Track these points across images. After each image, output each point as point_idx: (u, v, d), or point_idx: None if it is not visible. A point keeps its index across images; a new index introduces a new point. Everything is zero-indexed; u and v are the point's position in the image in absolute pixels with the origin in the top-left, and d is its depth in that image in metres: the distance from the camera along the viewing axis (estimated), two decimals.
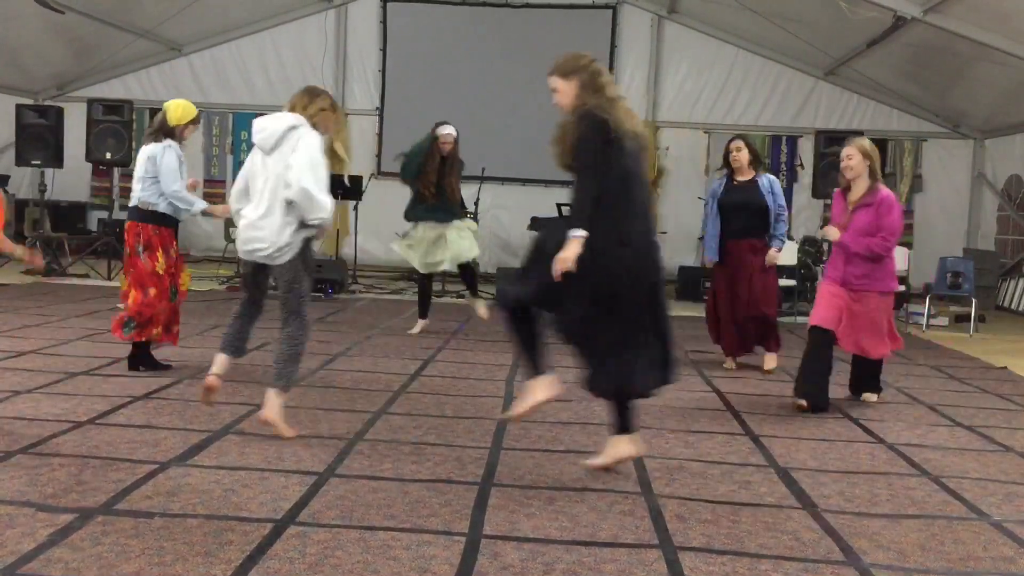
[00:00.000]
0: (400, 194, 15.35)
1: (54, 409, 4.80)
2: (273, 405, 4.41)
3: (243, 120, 14.30)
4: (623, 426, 4.04)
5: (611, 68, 13.75)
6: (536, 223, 11.51)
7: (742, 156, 6.89)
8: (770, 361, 6.97)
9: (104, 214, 13.19)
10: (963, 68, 10.90)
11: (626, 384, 3.93)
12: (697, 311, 10.61)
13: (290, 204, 4.37)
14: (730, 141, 7.06)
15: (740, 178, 6.91)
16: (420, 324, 8.19)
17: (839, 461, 4.52)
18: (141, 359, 5.90)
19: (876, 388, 6.00)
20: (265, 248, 4.45)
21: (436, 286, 11.58)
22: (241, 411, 4.90)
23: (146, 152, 5.89)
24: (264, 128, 4.47)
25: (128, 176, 6.32)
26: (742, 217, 6.79)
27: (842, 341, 5.63)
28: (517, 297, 4.00)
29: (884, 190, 5.64)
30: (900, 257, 10.58)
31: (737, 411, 5.54)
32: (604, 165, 3.80)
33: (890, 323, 5.83)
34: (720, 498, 3.85)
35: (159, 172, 5.80)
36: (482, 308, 8.11)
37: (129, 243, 5.96)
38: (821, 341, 5.59)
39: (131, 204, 6.01)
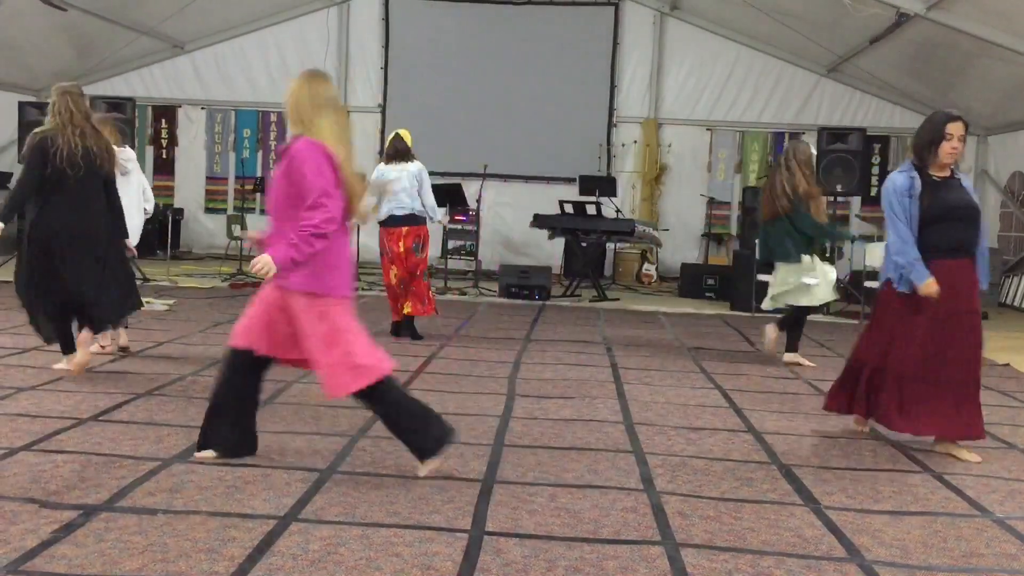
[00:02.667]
0: None
1: (57, 406, 4.80)
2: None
3: (245, 117, 14.33)
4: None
5: (613, 65, 13.77)
6: (538, 220, 11.51)
7: (961, 147, 4.78)
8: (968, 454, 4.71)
9: None
10: (966, 65, 10.88)
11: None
12: (699, 308, 10.63)
13: None
14: (947, 121, 4.74)
15: (939, 174, 4.79)
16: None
17: (841, 458, 4.52)
18: (411, 330, 7.63)
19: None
20: None
21: (438, 283, 11.59)
22: None
23: (409, 170, 7.46)
24: None
25: None
26: (959, 227, 4.71)
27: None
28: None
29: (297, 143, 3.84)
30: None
31: (739, 408, 5.54)
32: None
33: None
34: (722, 495, 3.85)
35: (423, 187, 7.48)
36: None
37: (408, 244, 7.46)
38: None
39: (404, 213, 7.44)
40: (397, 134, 7.73)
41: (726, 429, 5.00)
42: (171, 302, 8.95)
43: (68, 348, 5.72)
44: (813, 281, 6.90)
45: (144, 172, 13.33)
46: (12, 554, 2.91)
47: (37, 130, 5.60)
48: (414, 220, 7.51)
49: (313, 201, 3.70)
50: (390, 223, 7.53)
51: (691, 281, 11.91)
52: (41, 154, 5.46)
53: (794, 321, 7.18)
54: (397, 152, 7.59)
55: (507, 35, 13.85)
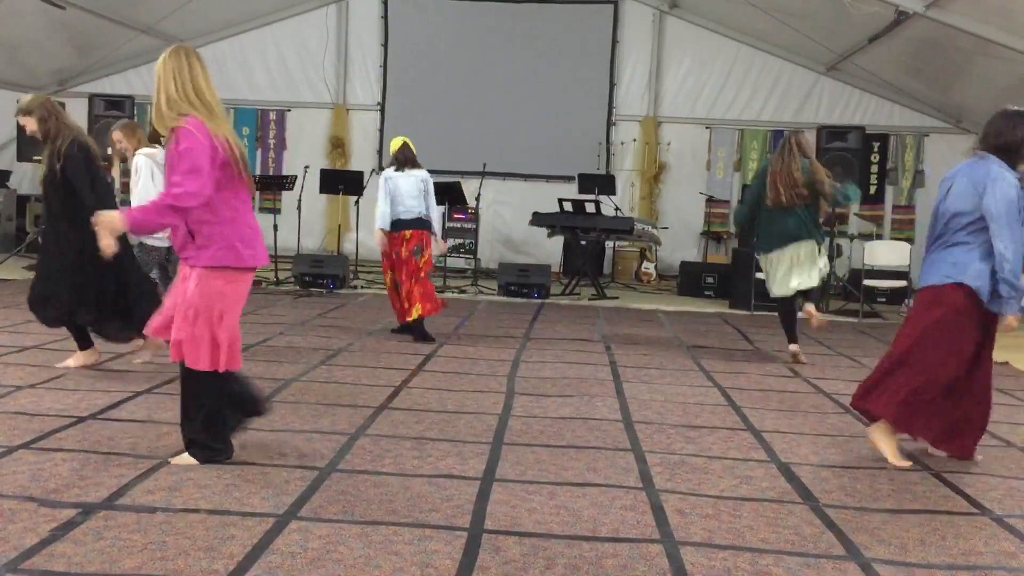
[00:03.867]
0: None
1: (56, 404, 4.80)
2: None
3: (244, 116, 14.30)
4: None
5: (612, 63, 13.76)
6: (537, 218, 11.52)
7: None
8: None
9: None
10: (965, 63, 10.88)
11: None
12: (698, 306, 10.63)
13: None
14: None
15: None
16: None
17: (840, 456, 4.52)
18: (421, 332, 7.54)
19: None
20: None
21: (437, 281, 11.59)
22: None
23: (417, 176, 7.56)
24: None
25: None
26: None
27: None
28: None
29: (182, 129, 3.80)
30: (902, 252, 10.63)
31: (739, 406, 5.54)
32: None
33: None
34: (722, 493, 3.85)
35: (429, 195, 7.61)
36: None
37: (410, 247, 7.49)
38: None
39: (410, 217, 7.48)
40: (405, 142, 7.74)
41: (725, 427, 5.00)
42: None
43: (85, 343, 5.80)
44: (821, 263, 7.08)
45: None
46: (11, 552, 2.91)
47: (63, 143, 5.44)
48: (420, 224, 7.54)
49: (180, 176, 3.71)
50: (396, 227, 7.52)
51: (690, 279, 11.91)
52: (87, 160, 5.48)
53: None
54: (407, 159, 7.62)
55: (506, 33, 13.84)
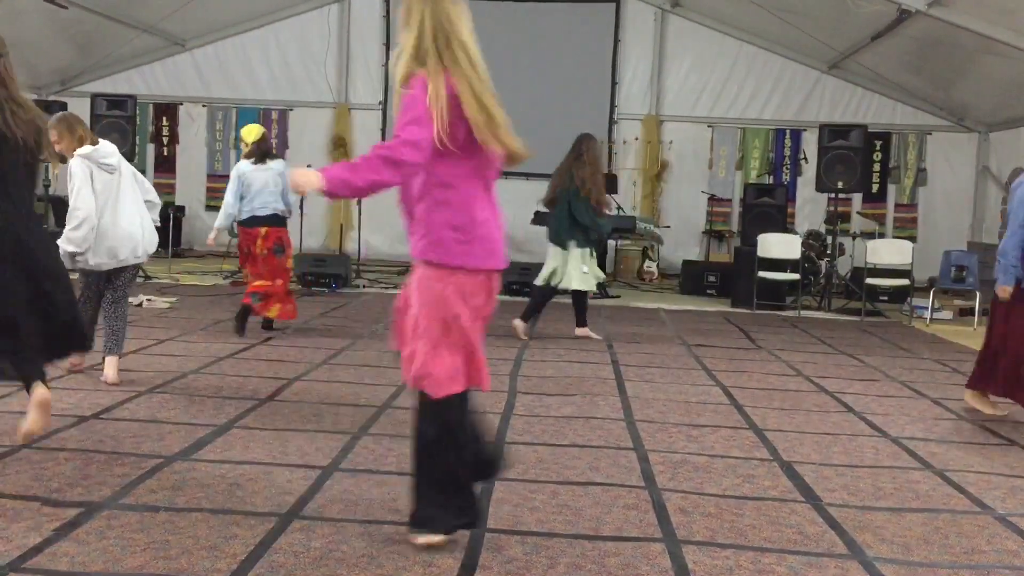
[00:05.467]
0: None
1: (59, 404, 4.80)
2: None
3: (246, 115, 14.30)
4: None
5: (614, 62, 13.76)
6: (539, 217, 11.51)
7: None
8: None
9: None
10: (967, 61, 10.87)
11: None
12: (700, 305, 10.62)
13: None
14: None
15: None
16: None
17: (843, 455, 4.52)
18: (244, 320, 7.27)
19: None
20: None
21: None
22: (246, 405, 4.92)
23: (275, 169, 7.29)
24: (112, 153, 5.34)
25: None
26: None
27: None
28: None
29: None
30: (904, 251, 10.60)
31: (741, 405, 5.54)
32: None
33: None
34: (724, 492, 3.85)
35: (287, 185, 7.15)
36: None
37: (268, 245, 7.27)
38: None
39: (266, 213, 7.24)
40: (264, 133, 7.50)
41: (727, 426, 5.00)
42: (172, 300, 8.95)
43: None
44: (586, 269, 7.89)
45: (145, 169, 13.31)
46: (14, 552, 2.91)
47: None
48: (276, 221, 7.31)
49: (400, 126, 3.05)
50: (251, 223, 7.27)
51: (692, 278, 11.89)
52: None
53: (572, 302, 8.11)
54: (266, 152, 7.37)
55: (508, 32, 13.83)
